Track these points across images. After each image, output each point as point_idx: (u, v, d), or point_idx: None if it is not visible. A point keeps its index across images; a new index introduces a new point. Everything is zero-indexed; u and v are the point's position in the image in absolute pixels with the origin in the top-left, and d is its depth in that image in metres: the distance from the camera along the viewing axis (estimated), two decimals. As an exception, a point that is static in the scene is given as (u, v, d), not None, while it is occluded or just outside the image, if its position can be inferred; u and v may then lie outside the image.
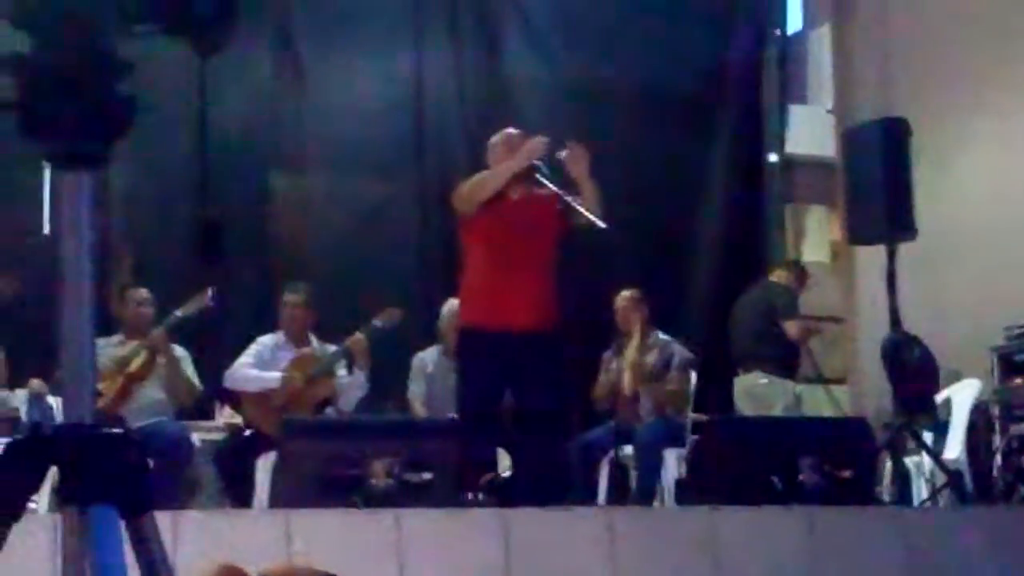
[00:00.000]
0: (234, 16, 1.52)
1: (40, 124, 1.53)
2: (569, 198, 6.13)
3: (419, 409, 7.50)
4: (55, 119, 1.52)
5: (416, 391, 7.58)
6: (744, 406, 8.10)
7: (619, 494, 7.41)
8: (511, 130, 6.51)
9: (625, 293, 7.83)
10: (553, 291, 6.27)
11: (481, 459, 6.16)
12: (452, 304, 7.24)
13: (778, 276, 8.60)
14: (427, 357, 7.65)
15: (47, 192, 7.05)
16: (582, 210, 6.07)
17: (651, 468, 7.24)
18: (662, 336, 7.78)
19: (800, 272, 8.65)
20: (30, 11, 1.50)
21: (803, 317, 8.33)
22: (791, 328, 8.14)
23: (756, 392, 8.08)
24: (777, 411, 7.86)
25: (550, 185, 6.19)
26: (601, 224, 6.01)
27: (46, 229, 7.15)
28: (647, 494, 7.19)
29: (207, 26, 1.52)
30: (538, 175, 6.20)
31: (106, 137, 1.53)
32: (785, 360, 8.22)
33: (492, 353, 6.16)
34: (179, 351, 6.96)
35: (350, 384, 7.16)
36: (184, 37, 1.52)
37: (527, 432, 6.23)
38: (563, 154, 6.19)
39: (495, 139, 6.47)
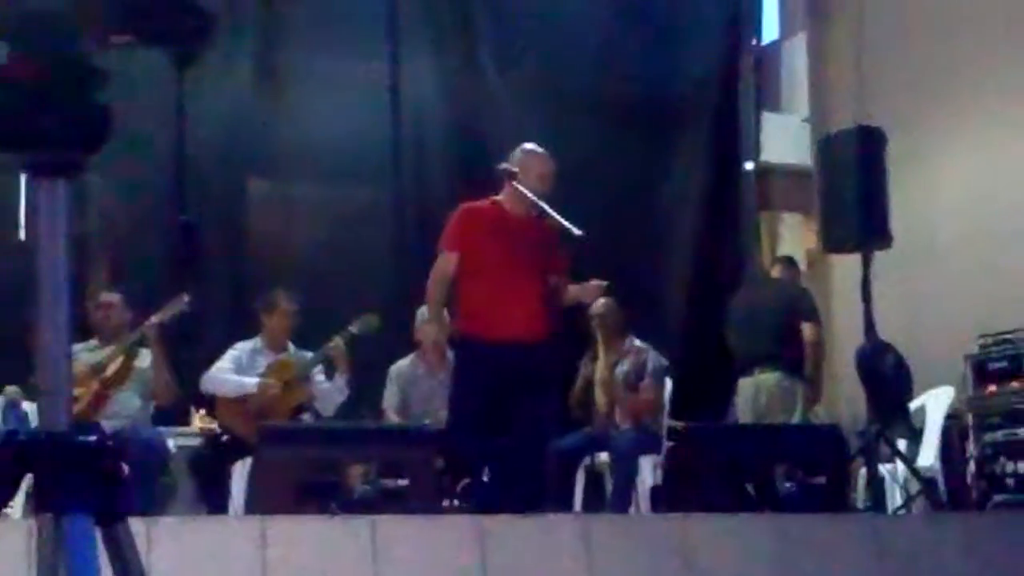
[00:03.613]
0: (212, 29, 1.52)
1: (17, 133, 1.53)
2: (544, 206, 6.18)
3: (392, 417, 7.49)
4: (32, 128, 1.52)
5: (390, 399, 7.57)
6: (762, 407, 7.85)
7: (594, 501, 7.42)
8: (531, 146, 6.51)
9: (600, 301, 7.80)
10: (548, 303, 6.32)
11: (467, 467, 6.17)
12: (425, 311, 7.25)
13: (776, 271, 8.57)
14: (402, 364, 7.64)
15: (23, 196, 7.02)
16: (558, 217, 6.12)
17: (626, 475, 7.25)
18: (638, 343, 7.77)
19: (795, 269, 8.62)
20: (8, 20, 1.50)
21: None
22: (808, 330, 7.95)
23: (775, 393, 7.84)
24: (798, 414, 7.74)
25: (527, 193, 6.22)
26: (577, 232, 6.05)
27: (22, 235, 7.12)
28: (622, 501, 7.20)
29: (185, 39, 1.52)
30: (515, 183, 6.25)
31: (83, 146, 1.53)
32: (800, 361, 7.94)
33: (490, 363, 6.20)
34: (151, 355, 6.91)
35: (331, 389, 7.16)
36: (162, 49, 1.52)
37: (515, 441, 6.24)
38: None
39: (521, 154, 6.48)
